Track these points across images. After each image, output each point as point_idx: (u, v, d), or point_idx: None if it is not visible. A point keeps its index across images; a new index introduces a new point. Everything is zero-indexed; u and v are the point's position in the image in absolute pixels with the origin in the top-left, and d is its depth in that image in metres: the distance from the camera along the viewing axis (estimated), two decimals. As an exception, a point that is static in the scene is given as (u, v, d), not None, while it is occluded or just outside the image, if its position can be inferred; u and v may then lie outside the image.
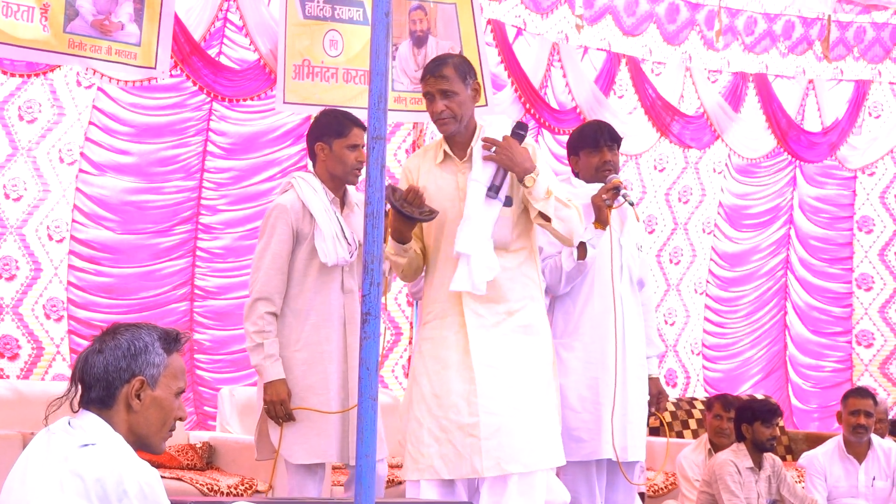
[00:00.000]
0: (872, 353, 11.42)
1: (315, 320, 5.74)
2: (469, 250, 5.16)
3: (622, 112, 9.98)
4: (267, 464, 7.61)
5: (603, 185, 5.96)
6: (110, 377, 3.46)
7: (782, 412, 7.98)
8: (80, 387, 3.49)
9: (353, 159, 5.84)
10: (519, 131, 5.29)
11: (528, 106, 9.28)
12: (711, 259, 11.00)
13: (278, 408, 5.68)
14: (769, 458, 7.74)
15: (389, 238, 5.24)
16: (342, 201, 5.92)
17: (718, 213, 10.99)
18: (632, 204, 5.98)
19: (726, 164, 10.91)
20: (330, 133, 5.87)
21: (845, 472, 8.18)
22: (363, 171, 5.96)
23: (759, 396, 10.21)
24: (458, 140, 5.34)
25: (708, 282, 11.01)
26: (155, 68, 7.18)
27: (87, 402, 3.48)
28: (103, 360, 3.47)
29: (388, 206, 5.14)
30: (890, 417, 9.56)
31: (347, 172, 5.86)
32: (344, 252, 5.73)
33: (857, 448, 8.21)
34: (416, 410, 5.22)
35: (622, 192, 5.91)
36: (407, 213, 5.16)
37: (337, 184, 5.89)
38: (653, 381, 6.23)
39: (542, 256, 5.94)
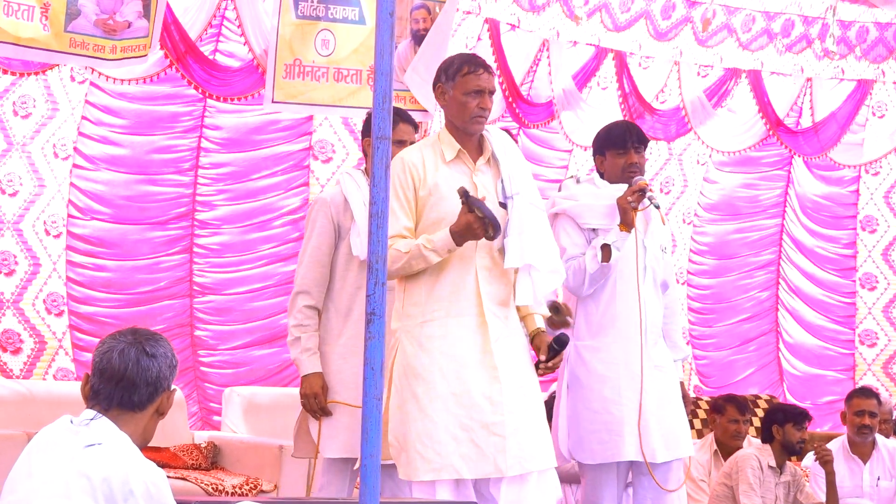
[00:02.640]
0: (875, 353, 11.41)
1: (357, 316, 5.72)
2: (533, 262, 5.15)
3: (601, 105, 9.96)
4: (271, 462, 7.64)
5: (628, 186, 5.93)
6: (159, 383, 3.54)
7: (811, 417, 8.00)
8: (117, 385, 3.50)
9: None
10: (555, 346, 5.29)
11: (510, 100, 9.32)
12: (692, 250, 11.01)
13: (312, 401, 5.66)
14: (790, 466, 7.77)
15: (446, 236, 5.11)
16: None
17: (699, 204, 11.00)
18: (657, 207, 5.96)
19: (710, 156, 10.91)
20: None
21: (850, 472, 8.18)
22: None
23: (764, 396, 10.22)
24: (472, 139, 5.29)
25: (689, 272, 11.02)
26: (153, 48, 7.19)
27: (120, 402, 3.50)
28: (157, 365, 3.53)
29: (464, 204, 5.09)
30: (894, 417, 9.56)
31: None
32: None
33: (861, 448, 8.21)
34: (428, 409, 5.09)
35: (648, 194, 5.89)
36: (495, 220, 5.05)
37: None
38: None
39: (565, 258, 5.91)
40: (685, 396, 6.24)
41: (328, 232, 5.76)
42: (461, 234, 5.08)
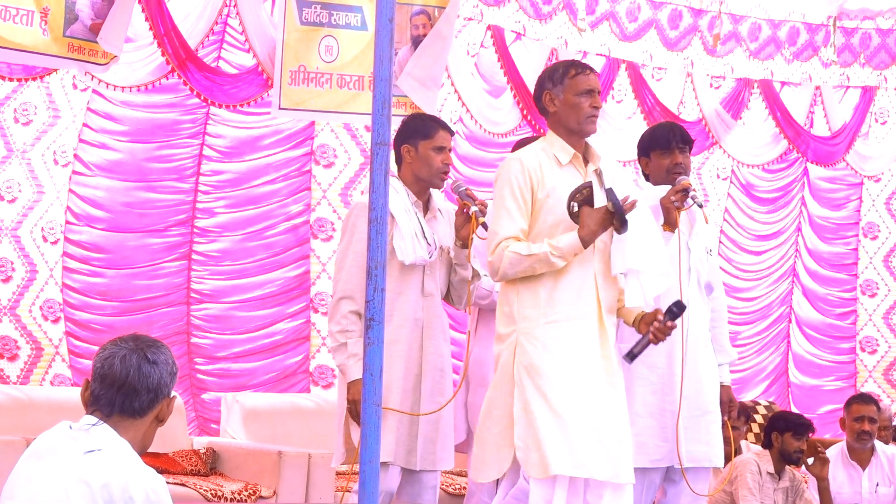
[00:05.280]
0: (876, 360, 11.40)
1: (398, 321, 5.73)
2: (637, 266, 5.16)
3: (620, 117, 9.94)
4: (270, 468, 7.63)
5: (672, 186, 5.93)
6: (160, 390, 3.54)
7: (815, 429, 8.00)
8: (118, 391, 3.49)
9: (438, 161, 5.84)
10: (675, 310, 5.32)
11: (525, 112, 9.27)
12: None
13: (360, 406, 5.66)
14: (790, 471, 7.78)
15: (575, 241, 5.11)
16: (426, 206, 5.92)
17: (725, 220, 10.98)
18: (700, 206, 5.95)
19: (732, 170, 10.89)
20: (416, 135, 5.87)
21: (849, 479, 8.18)
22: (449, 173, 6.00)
23: (763, 402, 10.21)
24: (580, 145, 5.32)
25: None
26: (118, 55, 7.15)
27: (121, 408, 3.50)
28: (158, 372, 3.53)
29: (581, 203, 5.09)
30: (894, 424, 9.55)
31: (433, 175, 5.86)
32: (423, 252, 5.73)
33: (860, 454, 8.21)
34: (559, 407, 5.03)
35: (691, 193, 5.88)
36: (622, 210, 5.07)
37: (422, 187, 5.89)
38: (724, 389, 6.12)
39: None
40: (731, 401, 6.21)
41: None
42: (592, 235, 5.10)
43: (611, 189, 5.09)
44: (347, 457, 5.84)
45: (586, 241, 5.10)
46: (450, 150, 5.92)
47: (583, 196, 5.11)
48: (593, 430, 5.02)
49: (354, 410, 5.68)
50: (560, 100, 5.29)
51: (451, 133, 5.97)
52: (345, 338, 5.69)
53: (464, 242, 5.77)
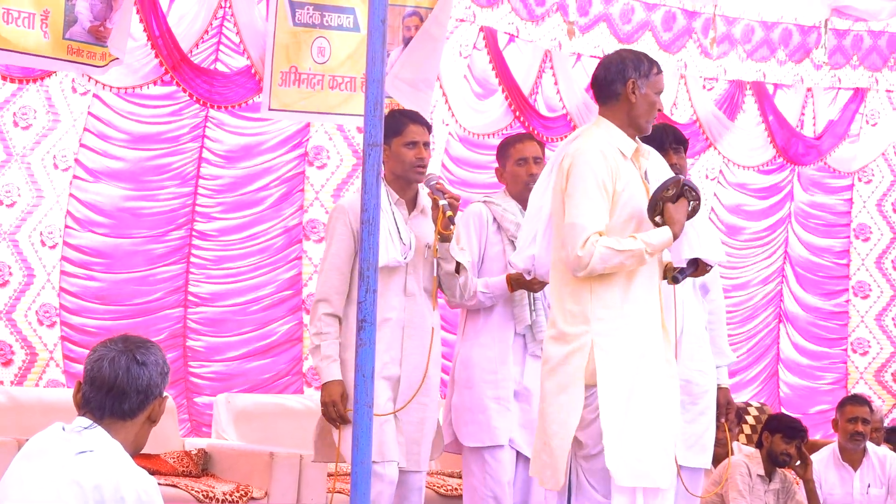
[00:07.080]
0: (868, 361, 11.41)
1: (378, 322, 5.70)
2: (700, 254, 5.15)
3: None
4: (261, 469, 7.64)
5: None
6: (150, 391, 3.53)
7: (807, 436, 8.00)
8: (108, 393, 3.49)
9: (411, 157, 5.81)
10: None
11: (517, 113, 9.26)
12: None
13: (331, 409, 5.65)
14: (780, 473, 7.80)
15: (668, 236, 4.96)
16: (413, 204, 5.90)
17: (711, 220, 10.97)
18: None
19: (721, 171, 10.89)
20: (388, 133, 5.73)
21: (840, 480, 8.19)
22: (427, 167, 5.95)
23: (755, 403, 10.22)
24: (634, 138, 5.18)
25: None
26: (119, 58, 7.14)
27: (111, 410, 3.49)
28: (147, 373, 3.52)
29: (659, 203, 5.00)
30: (885, 425, 9.56)
31: (408, 170, 5.83)
32: (396, 253, 5.70)
33: (852, 455, 8.22)
34: (646, 414, 4.91)
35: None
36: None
37: (402, 185, 5.86)
38: (722, 392, 6.12)
39: None
40: (729, 403, 6.18)
41: (347, 239, 5.75)
42: (682, 229, 4.98)
43: (688, 181, 4.99)
44: (327, 455, 5.86)
45: (678, 236, 4.96)
46: (425, 144, 5.86)
47: (674, 191, 4.97)
48: (661, 437, 4.94)
49: (327, 413, 5.69)
50: (641, 93, 5.10)
51: (426, 126, 5.90)
52: (319, 340, 5.70)
53: (443, 236, 5.76)
